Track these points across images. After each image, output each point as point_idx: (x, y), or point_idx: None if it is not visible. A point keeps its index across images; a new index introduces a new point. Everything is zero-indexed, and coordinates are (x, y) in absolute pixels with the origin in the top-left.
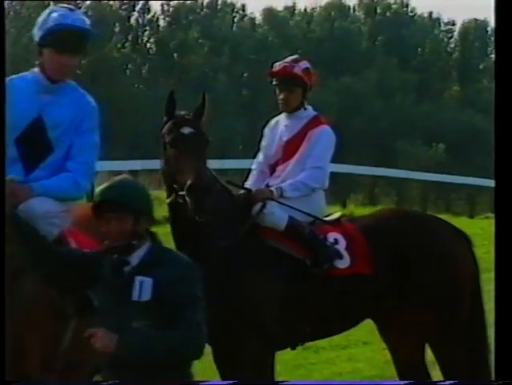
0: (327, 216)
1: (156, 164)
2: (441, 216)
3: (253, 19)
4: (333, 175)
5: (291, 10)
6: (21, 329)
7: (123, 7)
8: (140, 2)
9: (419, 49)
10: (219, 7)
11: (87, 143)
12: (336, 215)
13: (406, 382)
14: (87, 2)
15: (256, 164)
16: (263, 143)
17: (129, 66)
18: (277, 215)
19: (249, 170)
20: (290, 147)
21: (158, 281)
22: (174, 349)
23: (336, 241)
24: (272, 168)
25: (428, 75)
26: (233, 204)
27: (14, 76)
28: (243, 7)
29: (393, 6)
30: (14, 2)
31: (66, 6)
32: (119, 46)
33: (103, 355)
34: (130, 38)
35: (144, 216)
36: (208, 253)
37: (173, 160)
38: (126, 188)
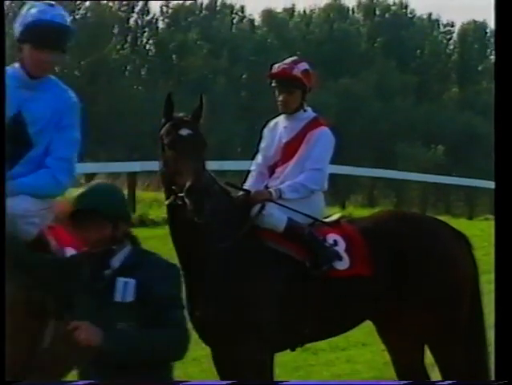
0: (327, 217)
1: (155, 165)
2: (441, 217)
3: (252, 21)
4: (332, 176)
5: (290, 11)
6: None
7: (122, 9)
8: (140, 4)
9: (418, 50)
10: (218, 9)
11: (66, 139)
12: (335, 216)
13: (405, 382)
14: (87, 3)
15: (255, 165)
16: (262, 144)
17: (128, 67)
18: (276, 216)
19: (249, 171)
20: (290, 149)
21: (140, 283)
22: (158, 348)
23: (335, 243)
24: (271, 170)
25: (428, 77)
26: (232, 206)
27: None
28: (242, 9)
29: (392, 8)
30: (13, 3)
31: (47, 1)
32: (118, 47)
33: (88, 349)
34: (129, 39)
35: (122, 221)
36: (207, 254)
37: (172, 161)
38: (102, 195)
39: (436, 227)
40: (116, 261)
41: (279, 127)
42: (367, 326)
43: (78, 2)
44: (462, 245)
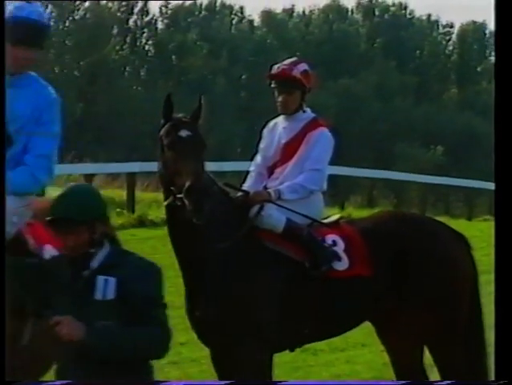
0: (326, 218)
1: (154, 166)
2: (440, 218)
3: (251, 21)
4: (331, 177)
5: (290, 12)
6: None
7: (121, 9)
8: (139, 4)
9: (417, 51)
10: (217, 9)
11: (45, 136)
12: (335, 217)
13: (403, 382)
14: (86, 4)
15: (254, 165)
16: (261, 145)
17: (127, 68)
18: (275, 217)
19: (248, 172)
20: (289, 150)
21: (120, 281)
22: (140, 346)
23: (335, 243)
24: (270, 170)
25: (427, 77)
26: (231, 207)
27: None
28: (241, 9)
29: (391, 9)
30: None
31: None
32: (117, 48)
33: (69, 345)
34: (128, 40)
35: (99, 222)
36: (206, 255)
37: (171, 162)
38: (77, 201)
39: (436, 228)
40: (95, 262)
41: (279, 128)
42: (367, 326)
43: (77, 3)
44: (462, 246)
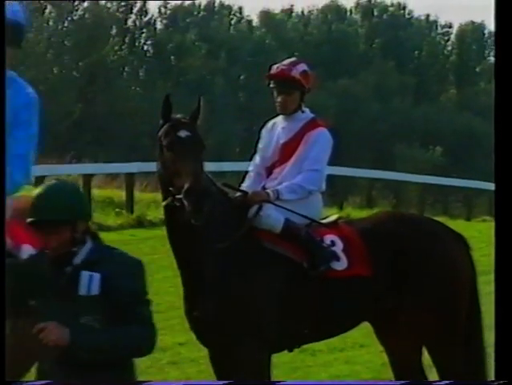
0: (324, 218)
1: (153, 166)
2: (439, 218)
3: (250, 22)
4: (330, 177)
5: (288, 12)
6: None
7: (120, 9)
8: (138, 5)
9: (416, 51)
10: (216, 10)
11: (23, 136)
12: (333, 217)
13: (402, 382)
14: (85, 4)
15: (253, 165)
16: (260, 145)
17: (126, 68)
18: (273, 217)
19: (246, 172)
20: (287, 150)
21: (104, 277)
22: (124, 345)
23: (333, 243)
24: (269, 171)
25: (426, 78)
26: (229, 207)
27: None
28: (240, 10)
29: (390, 9)
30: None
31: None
32: (116, 48)
33: (53, 350)
34: (127, 40)
35: (81, 220)
36: (204, 255)
37: (170, 163)
38: (61, 201)
39: (435, 228)
40: (78, 259)
41: (277, 128)
42: (365, 327)
43: (76, 3)
44: (461, 246)
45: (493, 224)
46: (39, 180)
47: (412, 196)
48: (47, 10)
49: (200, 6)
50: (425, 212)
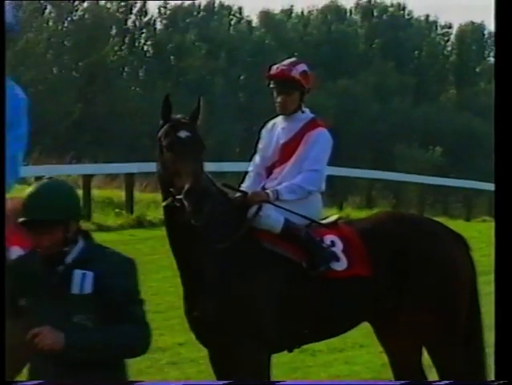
0: (324, 218)
1: (152, 166)
2: (438, 219)
3: (250, 22)
4: (330, 177)
5: (288, 12)
6: None
7: (120, 10)
8: (138, 5)
9: (416, 52)
10: (216, 10)
11: (11, 137)
12: (333, 218)
13: (402, 382)
14: (85, 4)
15: (253, 166)
16: (260, 145)
17: (126, 68)
18: (273, 217)
19: (246, 172)
20: (287, 150)
21: (96, 276)
22: (118, 345)
23: (333, 244)
24: (269, 171)
25: (426, 78)
26: (229, 207)
27: None
28: (240, 10)
29: (390, 9)
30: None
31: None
32: (116, 48)
33: (47, 353)
34: (127, 40)
35: (73, 220)
36: (204, 255)
37: (170, 163)
38: (53, 201)
39: (435, 228)
40: (70, 258)
41: (277, 128)
42: (365, 327)
43: (76, 3)
44: (460, 247)
45: (493, 224)
46: (39, 180)
47: (411, 196)
48: (47, 10)
49: (200, 6)
50: (425, 213)
